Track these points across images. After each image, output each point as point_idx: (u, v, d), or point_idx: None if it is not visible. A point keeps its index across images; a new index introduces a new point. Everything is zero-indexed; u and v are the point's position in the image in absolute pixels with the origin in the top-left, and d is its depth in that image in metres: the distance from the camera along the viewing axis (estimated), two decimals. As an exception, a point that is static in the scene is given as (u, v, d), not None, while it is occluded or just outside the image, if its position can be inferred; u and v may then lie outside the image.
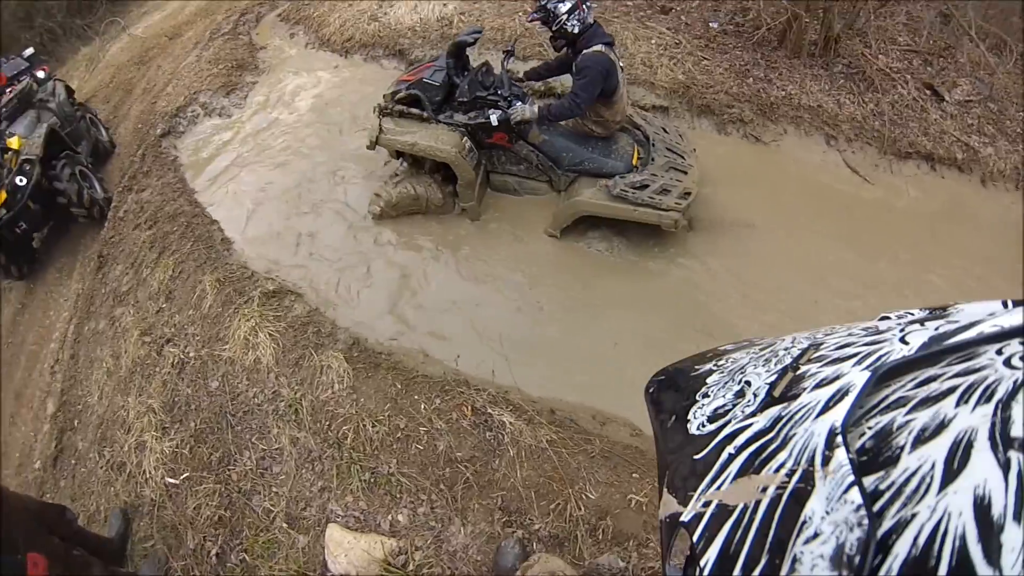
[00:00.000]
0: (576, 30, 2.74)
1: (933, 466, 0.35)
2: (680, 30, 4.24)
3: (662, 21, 4.34)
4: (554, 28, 2.77)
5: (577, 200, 2.96)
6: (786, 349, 0.54)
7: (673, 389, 0.63)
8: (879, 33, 4.11)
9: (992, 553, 0.31)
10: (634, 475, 2.29)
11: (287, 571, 2.16)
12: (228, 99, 4.78)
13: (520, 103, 2.91)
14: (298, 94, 4.69)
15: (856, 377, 0.43)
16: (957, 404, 0.37)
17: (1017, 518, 0.31)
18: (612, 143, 3.10)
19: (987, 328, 0.41)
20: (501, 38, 4.34)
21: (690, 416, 0.55)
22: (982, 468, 0.33)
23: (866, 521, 0.35)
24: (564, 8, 2.70)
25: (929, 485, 0.34)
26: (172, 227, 3.65)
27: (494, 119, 2.91)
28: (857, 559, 0.34)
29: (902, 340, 0.45)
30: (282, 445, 2.47)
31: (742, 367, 0.56)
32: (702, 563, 0.43)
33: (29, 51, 5.20)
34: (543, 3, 2.72)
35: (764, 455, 0.44)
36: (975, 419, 0.35)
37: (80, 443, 2.99)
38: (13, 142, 4.01)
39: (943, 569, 0.32)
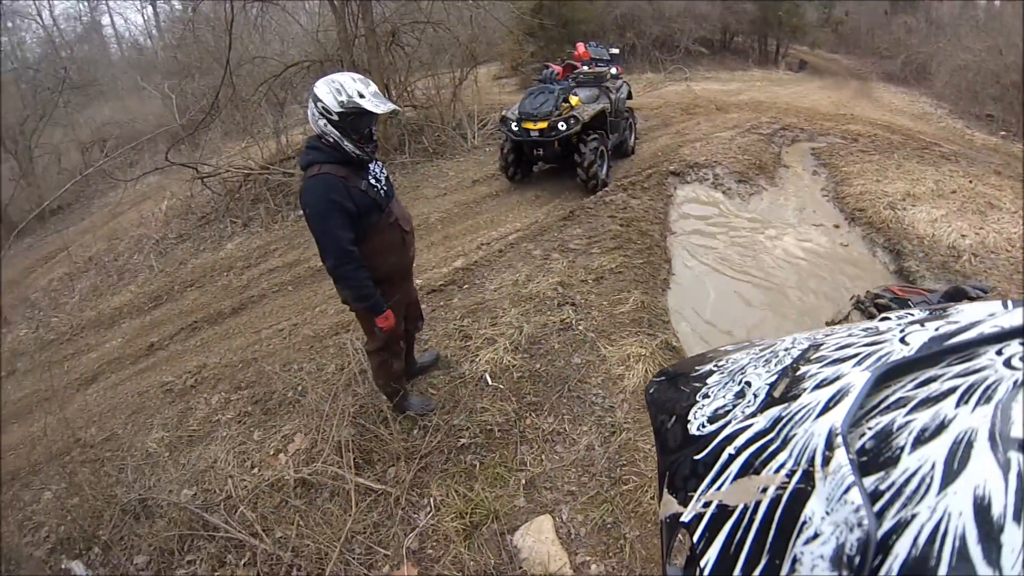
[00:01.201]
0: None
1: (933, 466, 0.35)
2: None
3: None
4: None
5: None
6: (786, 350, 0.54)
7: (674, 389, 0.63)
8: None
9: (992, 553, 0.31)
10: None
11: (489, 502, 2.26)
12: (737, 185, 5.27)
13: None
14: (794, 225, 4.97)
15: (856, 378, 0.43)
16: (957, 404, 0.37)
17: (1017, 518, 0.31)
18: None
19: (987, 329, 0.41)
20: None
21: (691, 416, 0.54)
22: (982, 468, 0.33)
23: (866, 522, 0.34)
24: None
25: (929, 485, 0.34)
26: (637, 238, 4.10)
27: None
28: (857, 559, 0.34)
29: (902, 341, 0.45)
30: (579, 440, 2.57)
31: (742, 368, 0.56)
32: (702, 563, 0.43)
33: (615, 50, 6.42)
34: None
35: (764, 455, 0.44)
36: (975, 419, 0.35)
37: (456, 299, 3.49)
38: (574, 99, 4.96)
39: (943, 569, 0.31)
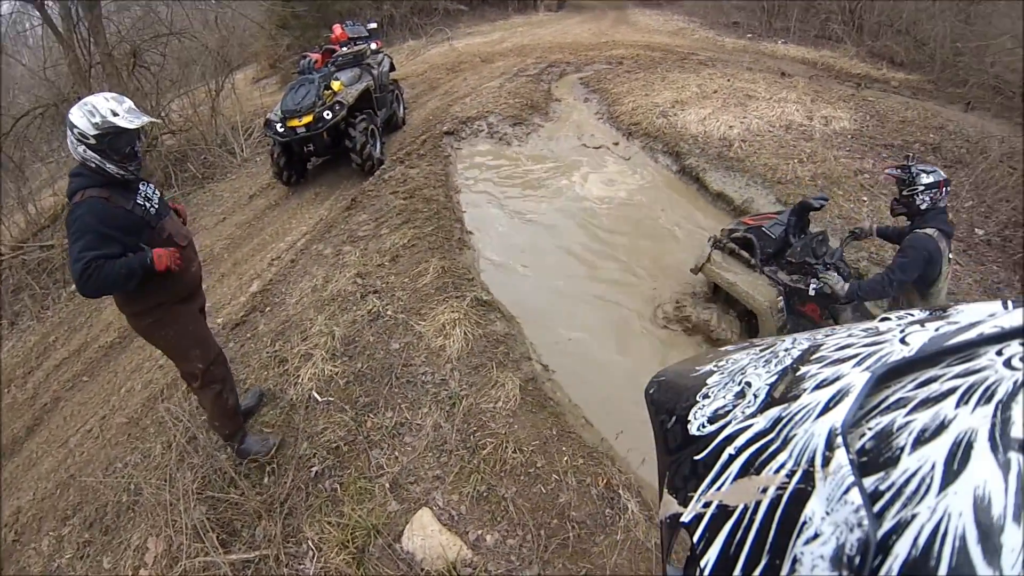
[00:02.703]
0: (924, 207, 2.68)
1: (933, 467, 0.35)
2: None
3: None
4: (904, 193, 2.71)
5: None
6: (786, 350, 0.54)
7: (673, 390, 0.63)
8: None
9: (992, 554, 0.31)
10: None
11: (364, 520, 2.21)
12: (512, 129, 5.31)
13: (836, 274, 2.87)
14: (572, 146, 5.07)
15: (856, 378, 0.43)
16: (957, 405, 0.37)
17: (1017, 519, 0.31)
18: None
19: (987, 329, 0.41)
20: (771, 177, 4.46)
21: (690, 417, 0.55)
22: (982, 469, 0.33)
23: (866, 522, 0.35)
24: (925, 180, 2.64)
25: (929, 486, 0.34)
26: (423, 207, 4.06)
27: (812, 289, 2.92)
28: (857, 560, 0.34)
29: (902, 341, 0.45)
30: (424, 423, 2.58)
31: (742, 368, 0.56)
32: (702, 563, 0.43)
33: (373, 25, 6.23)
34: (910, 165, 2.69)
35: (764, 456, 0.44)
36: (975, 420, 0.35)
37: (262, 325, 3.32)
38: (336, 84, 4.79)
39: (943, 570, 0.32)
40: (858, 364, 0.45)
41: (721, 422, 0.51)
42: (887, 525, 0.35)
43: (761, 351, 0.57)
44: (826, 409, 0.43)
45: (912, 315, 0.50)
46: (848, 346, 0.48)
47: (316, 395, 2.73)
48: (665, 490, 0.52)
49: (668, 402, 0.61)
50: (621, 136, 5.25)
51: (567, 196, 4.41)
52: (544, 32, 10.02)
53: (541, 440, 2.57)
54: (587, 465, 2.52)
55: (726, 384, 0.55)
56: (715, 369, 0.59)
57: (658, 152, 5.03)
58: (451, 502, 2.31)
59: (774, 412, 0.47)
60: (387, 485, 2.36)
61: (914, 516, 0.34)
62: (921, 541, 0.33)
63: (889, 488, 0.36)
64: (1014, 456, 0.33)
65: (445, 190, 4.35)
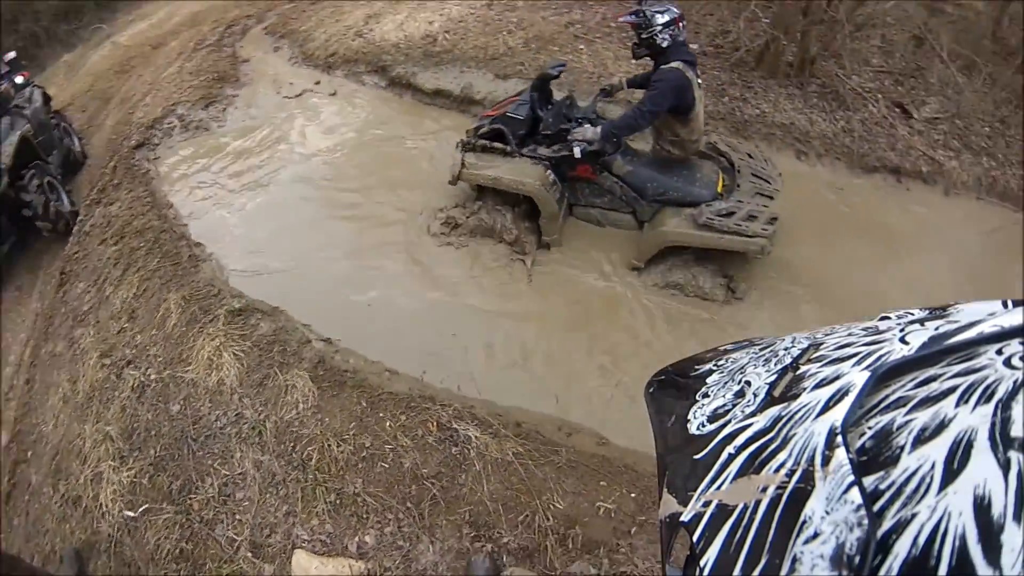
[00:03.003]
0: (665, 44, 2.71)
1: (933, 466, 0.35)
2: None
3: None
4: (643, 36, 2.73)
5: (664, 231, 2.95)
6: (786, 349, 0.54)
7: (673, 389, 0.63)
8: (854, 55, 4.26)
9: (992, 553, 0.31)
10: (601, 483, 2.30)
11: None
12: (207, 112, 4.61)
13: (587, 125, 2.87)
14: (276, 104, 4.56)
15: (856, 377, 0.43)
16: (957, 404, 0.37)
17: (1017, 518, 0.31)
18: (696, 171, 3.07)
19: (987, 328, 0.41)
20: (484, 56, 4.35)
21: (690, 416, 0.55)
22: (982, 468, 0.33)
23: (866, 521, 0.35)
24: (662, 19, 2.66)
25: (929, 485, 0.35)
26: (139, 243, 3.49)
27: (578, 151, 2.89)
28: (857, 559, 0.34)
29: (902, 340, 0.45)
30: (245, 470, 2.40)
31: (742, 367, 0.56)
32: (702, 563, 0.43)
33: (11, 55, 4.87)
34: (643, 8, 2.68)
35: (764, 455, 0.44)
36: (975, 419, 0.35)
37: (34, 476, 2.84)
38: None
39: (943, 569, 0.32)
40: (858, 363, 0.45)
41: (721, 421, 0.51)
42: (887, 524, 0.35)
43: (761, 350, 0.57)
44: (826, 408, 0.43)
45: (912, 314, 0.50)
46: (848, 345, 0.48)
47: (129, 512, 2.42)
48: (665, 489, 0.52)
49: (668, 401, 0.61)
50: (320, 73, 4.87)
51: (293, 161, 3.99)
52: (216, -10, 8.43)
53: (357, 419, 2.47)
54: (411, 418, 2.45)
55: (726, 383, 0.55)
56: (715, 368, 0.59)
57: (363, 74, 4.71)
58: (314, 528, 2.23)
59: (774, 411, 0.47)
60: (249, 553, 2.22)
61: (914, 515, 0.34)
62: (921, 540, 0.33)
63: (889, 487, 0.36)
64: (1014, 455, 0.33)
65: (156, 212, 3.70)
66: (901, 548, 0.34)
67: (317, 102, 4.62)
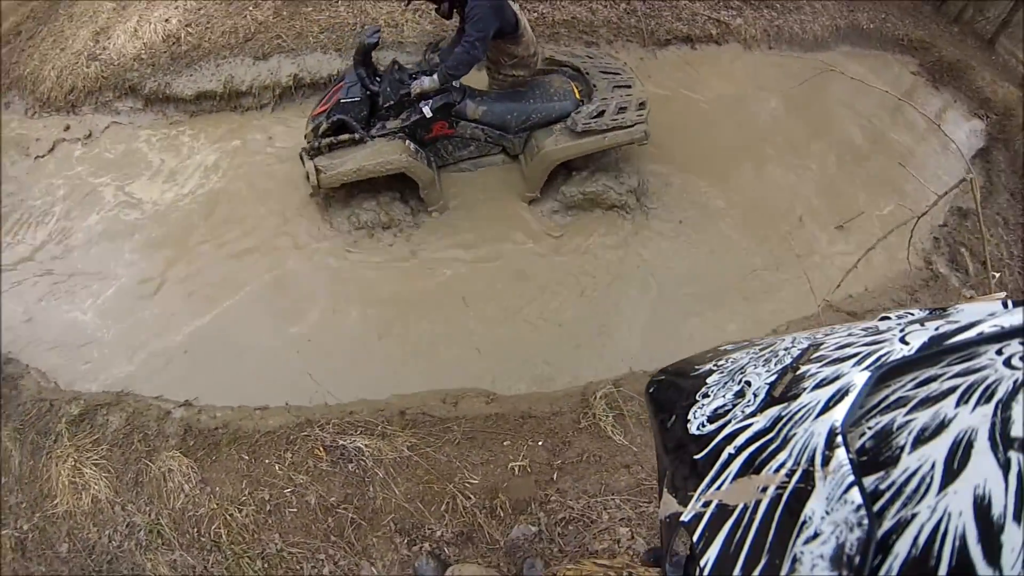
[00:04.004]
0: None
1: (933, 466, 0.35)
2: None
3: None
4: None
5: (546, 152, 2.91)
6: (786, 349, 0.54)
7: (673, 389, 0.63)
8: None
9: (992, 553, 0.31)
10: (505, 443, 2.27)
11: None
12: None
13: (422, 76, 2.77)
14: (29, 169, 3.71)
15: (856, 377, 0.43)
16: (957, 404, 0.37)
17: (1017, 518, 0.31)
18: (548, 87, 3.03)
19: (987, 328, 0.41)
20: (237, 40, 3.92)
21: (690, 416, 0.55)
22: (982, 468, 0.33)
23: (866, 521, 0.35)
24: None
25: (929, 485, 0.35)
26: None
27: (427, 110, 2.79)
28: (857, 559, 0.34)
29: (902, 340, 0.45)
30: None
31: (742, 367, 0.56)
32: (702, 563, 0.43)
33: None
34: None
35: (764, 455, 0.44)
36: (975, 419, 0.35)
37: None
38: None
39: (943, 569, 0.32)
40: (858, 363, 0.45)
41: (721, 421, 0.51)
42: (887, 524, 0.35)
43: (761, 350, 0.57)
44: (826, 408, 0.43)
45: (912, 314, 0.50)
46: (848, 345, 0.48)
47: None
48: (665, 489, 0.52)
49: (668, 401, 0.61)
50: (66, 116, 4.07)
51: (112, 235, 3.32)
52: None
53: (245, 476, 2.35)
54: (296, 452, 2.36)
55: (726, 383, 0.55)
56: (715, 368, 0.59)
57: (113, 102, 4.03)
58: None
59: (774, 411, 0.47)
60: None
61: (914, 515, 0.34)
62: (921, 540, 0.33)
63: (889, 487, 0.36)
64: (1014, 455, 0.33)
65: None
66: (901, 548, 0.34)
67: (75, 150, 3.91)
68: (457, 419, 2.37)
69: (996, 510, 0.32)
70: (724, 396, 0.53)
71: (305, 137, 3.02)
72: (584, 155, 2.98)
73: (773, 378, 0.51)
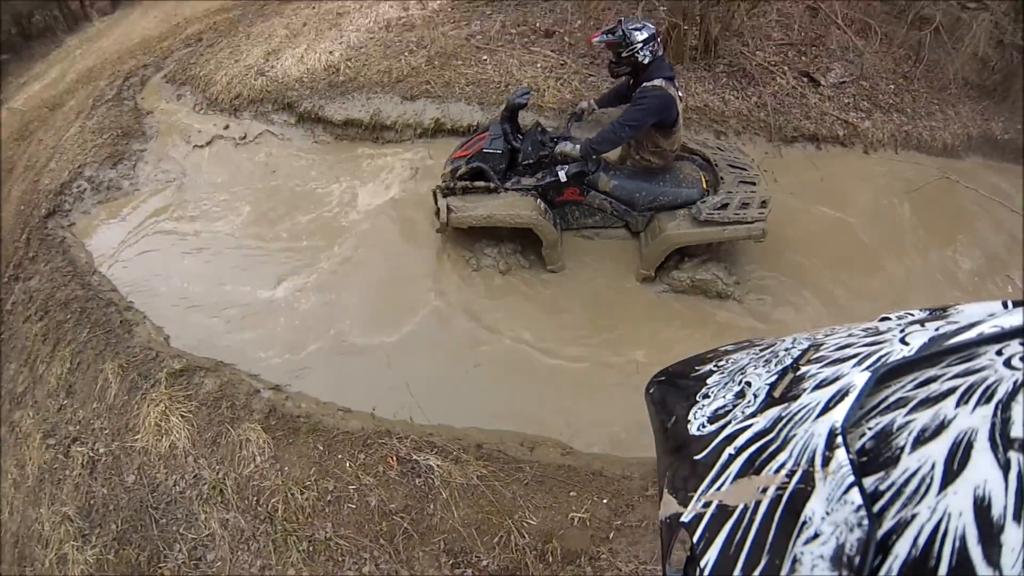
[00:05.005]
0: (647, 61, 2.72)
1: (933, 467, 0.35)
2: (564, 51, 4.31)
3: (546, 44, 4.41)
4: (624, 54, 2.72)
5: (668, 235, 2.96)
6: (786, 350, 0.54)
7: (674, 389, 0.63)
8: (754, 31, 4.38)
9: (992, 553, 0.31)
10: (571, 494, 2.29)
11: None
12: (115, 170, 4.37)
13: (566, 142, 2.89)
14: (187, 154, 4.36)
15: (856, 378, 0.43)
16: (957, 405, 0.37)
17: (1017, 518, 0.31)
18: (679, 173, 3.11)
19: (987, 329, 0.41)
20: (389, 80, 4.30)
21: (691, 417, 0.55)
22: (982, 468, 0.33)
23: (866, 522, 0.35)
24: (641, 37, 2.66)
25: (929, 486, 0.34)
26: (65, 315, 3.34)
27: (563, 175, 2.90)
28: (857, 559, 0.34)
29: (902, 341, 0.45)
30: (212, 530, 2.36)
31: (742, 368, 0.56)
32: (702, 563, 0.43)
33: None
34: (620, 28, 2.68)
35: (764, 456, 0.44)
36: (975, 420, 0.35)
37: None
38: None
39: (943, 569, 0.32)
40: (858, 364, 0.45)
41: (721, 422, 0.51)
42: (887, 525, 0.35)
43: (761, 351, 0.57)
44: (826, 409, 0.43)
45: (912, 315, 0.50)
46: (848, 346, 0.48)
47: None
48: (665, 490, 0.52)
49: (668, 402, 0.61)
50: (228, 117, 4.66)
51: (216, 215, 3.79)
52: (106, 43, 7.81)
53: (316, 464, 2.45)
54: (370, 455, 2.44)
55: (726, 384, 0.55)
56: (715, 369, 0.59)
57: (270, 113, 4.55)
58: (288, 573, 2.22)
59: (774, 412, 0.47)
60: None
61: (914, 516, 0.34)
62: (921, 541, 0.33)
63: (889, 488, 0.36)
64: (1014, 456, 0.32)
65: (79, 281, 3.55)
66: (901, 548, 0.33)
67: (228, 147, 4.45)
68: (531, 463, 2.40)
69: (996, 510, 0.31)
70: (724, 397, 0.53)
71: (442, 176, 3.22)
72: (702, 243, 3.04)
73: (773, 379, 0.51)
